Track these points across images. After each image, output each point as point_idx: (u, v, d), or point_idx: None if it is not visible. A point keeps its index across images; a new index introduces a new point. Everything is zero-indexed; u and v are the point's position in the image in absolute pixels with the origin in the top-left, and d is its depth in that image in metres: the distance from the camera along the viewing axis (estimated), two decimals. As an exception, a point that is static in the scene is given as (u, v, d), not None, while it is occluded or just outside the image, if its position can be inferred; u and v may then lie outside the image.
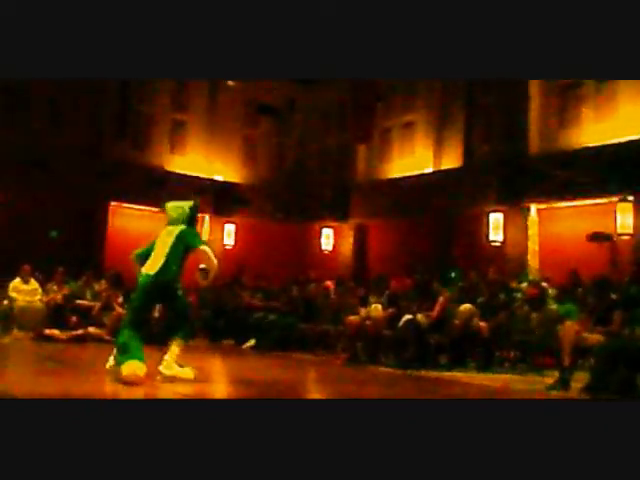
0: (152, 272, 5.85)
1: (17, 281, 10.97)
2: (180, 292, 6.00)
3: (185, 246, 6.02)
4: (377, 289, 10.01)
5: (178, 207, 6.26)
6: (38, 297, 11.01)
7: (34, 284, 11.11)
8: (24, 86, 12.73)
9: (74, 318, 10.51)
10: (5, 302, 10.70)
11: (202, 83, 15.19)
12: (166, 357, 5.82)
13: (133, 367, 5.53)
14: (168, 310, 6.38)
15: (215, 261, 6.09)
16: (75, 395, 4.76)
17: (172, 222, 6.17)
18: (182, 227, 6.10)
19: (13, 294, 10.82)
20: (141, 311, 6.07)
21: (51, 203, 12.77)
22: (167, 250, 5.97)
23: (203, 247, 6.09)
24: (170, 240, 6.02)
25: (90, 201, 13.39)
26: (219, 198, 15.18)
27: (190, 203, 6.32)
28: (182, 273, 6.05)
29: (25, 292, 10.93)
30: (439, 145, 13.61)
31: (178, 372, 5.79)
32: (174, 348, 5.84)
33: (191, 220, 6.26)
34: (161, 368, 5.76)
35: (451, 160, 13.32)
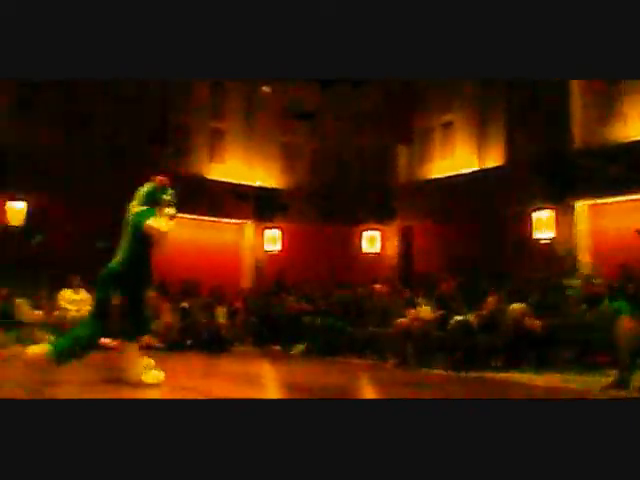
0: (111, 264, 5.56)
1: (67, 292, 11.10)
2: (139, 284, 5.61)
3: (135, 229, 5.54)
4: (425, 291, 9.89)
5: (140, 188, 5.80)
6: (88, 307, 11.08)
7: (84, 294, 11.20)
8: (65, 99, 12.93)
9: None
10: (57, 313, 10.82)
11: (239, 91, 15.23)
12: (126, 365, 5.48)
13: (39, 349, 5.35)
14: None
15: (162, 230, 5.52)
16: (127, 402, 4.74)
17: (134, 205, 5.74)
18: (137, 208, 5.64)
19: (64, 304, 10.95)
20: (100, 303, 5.58)
21: (98, 214, 12.89)
22: (123, 238, 5.65)
23: (148, 223, 5.49)
24: (128, 228, 5.64)
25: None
26: (259, 204, 15.19)
27: (152, 183, 5.81)
28: (145, 260, 5.64)
29: (76, 302, 11.03)
30: (481, 144, 13.43)
31: (143, 377, 5.46)
32: (129, 352, 5.48)
33: (151, 200, 5.67)
34: (143, 376, 5.45)
35: (494, 158, 13.13)
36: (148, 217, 5.50)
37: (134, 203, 5.68)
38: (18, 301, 10.41)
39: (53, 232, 12.36)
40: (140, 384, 5.35)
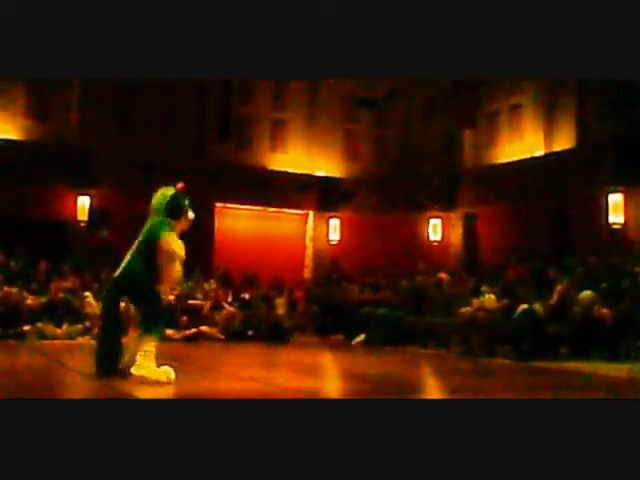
0: (115, 275, 5.37)
1: (132, 284, 11.28)
2: (149, 288, 5.26)
3: (150, 240, 5.27)
4: (490, 279, 9.67)
5: (160, 195, 5.45)
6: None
7: (148, 286, 11.39)
8: (129, 91, 13.16)
9: (185, 318, 10.70)
10: (122, 304, 10.99)
11: (300, 81, 15.19)
12: (137, 356, 5.13)
13: None
14: (138, 308, 5.49)
15: (173, 262, 5.21)
16: (190, 392, 4.75)
17: (152, 213, 5.43)
18: (156, 219, 5.34)
19: (128, 297, 11.13)
20: (108, 315, 5.43)
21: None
22: (133, 248, 5.36)
23: (163, 240, 5.19)
24: (140, 236, 5.39)
25: (197, 203, 13.60)
26: (322, 194, 15.14)
27: (172, 189, 5.47)
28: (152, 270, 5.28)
29: (139, 294, 11.21)
30: (550, 126, 13.00)
31: (149, 372, 5.04)
32: (144, 345, 5.12)
33: (172, 210, 5.37)
34: (132, 368, 5.09)
35: (563, 142, 12.71)
36: (166, 228, 5.25)
37: (154, 206, 5.40)
38: (86, 293, 10.63)
39: (118, 226, 12.60)
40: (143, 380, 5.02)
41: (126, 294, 5.42)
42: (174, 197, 5.38)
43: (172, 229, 5.30)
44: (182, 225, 5.42)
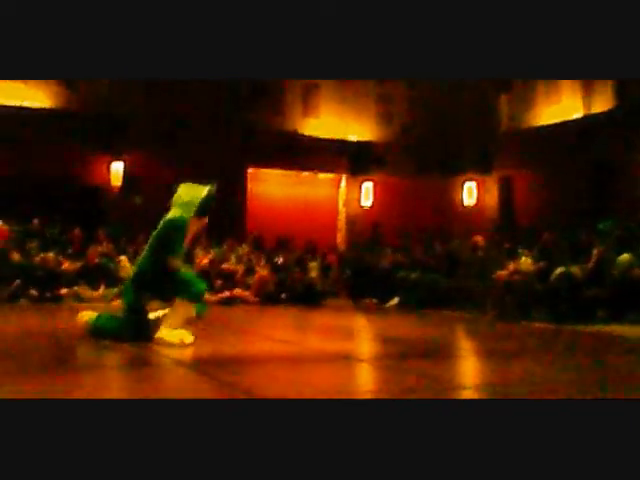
0: (130, 275, 5.36)
1: (166, 248, 11.40)
2: (166, 275, 5.08)
3: (164, 236, 5.12)
4: (526, 242, 9.54)
5: (192, 189, 5.27)
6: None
7: (181, 250, 11.49)
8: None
9: (219, 281, 10.76)
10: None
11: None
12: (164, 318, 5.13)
13: (86, 316, 5.37)
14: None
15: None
16: (227, 354, 4.78)
17: (175, 204, 5.23)
18: (180, 216, 5.14)
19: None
20: (131, 308, 5.25)
21: (193, 170, 13.10)
22: (146, 249, 5.27)
23: (171, 262, 5.05)
24: (155, 232, 5.23)
25: (230, 168, 13.64)
26: (355, 158, 15.03)
27: (207, 188, 5.25)
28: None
29: (174, 258, 11.32)
30: (588, 88, 12.68)
31: (166, 335, 5.00)
32: (173, 308, 5.09)
33: (203, 209, 5.21)
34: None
35: (602, 103, 12.39)
36: (179, 241, 5.11)
37: (182, 200, 5.20)
38: (120, 258, 10.75)
39: (151, 191, 12.68)
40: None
41: (146, 290, 5.23)
42: (209, 196, 5.20)
43: (186, 229, 5.15)
44: (201, 224, 5.35)
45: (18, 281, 9.60)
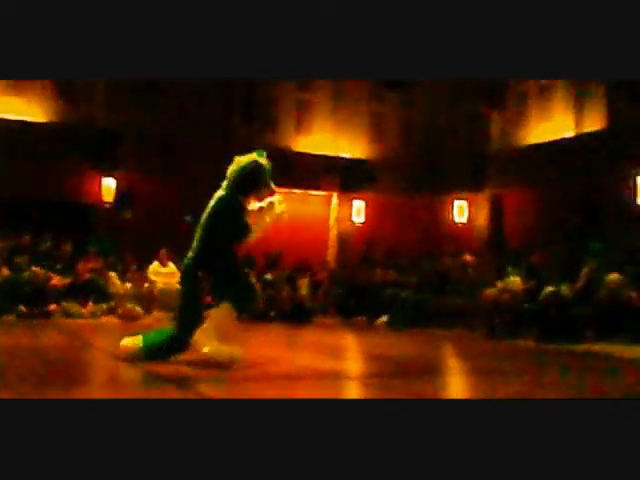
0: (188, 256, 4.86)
1: (156, 265, 11.41)
2: (228, 263, 4.77)
3: (213, 214, 4.74)
4: (516, 261, 9.57)
5: (236, 162, 4.85)
6: (176, 279, 11.34)
7: (172, 267, 11.47)
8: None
9: (209, 298, 10.72)
10: (146, 285, 11.11)
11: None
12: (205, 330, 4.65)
13: (131, 342, 4.83)
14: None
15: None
16: (213, 371, 4.75)
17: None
18: (221, 193, 4.81)
19: (153, 277, 11.24)
20: (187, 305, 4.85)
21: (185, 189, 13.11)
22: (199, 229, 4.85)
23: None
24: (206, 211, 4.83)
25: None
26: (347, 176, 15.05)
27: (246, 159, 4.82)
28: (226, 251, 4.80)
29: (163, 275, 11.32)
30: (580, 107, 12.76)
31: (214, 352, 4.56)
32: (216, 314, 4.65)
33: (242, 182, 4.75)
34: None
35: (593, 123, 12.48)
36: (235, 206, 4.72)
37: (227, 175, 4.85)
38: (110, 274, 10.73)
39: (142, 208, 12.69)
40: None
41: (204, 271, 4.81)
42: (249, 169, 4.79)
43: (237, 205, 4.74)
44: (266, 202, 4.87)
45: None
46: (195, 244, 4.83)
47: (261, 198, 4.88)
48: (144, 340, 4.83)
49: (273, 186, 4.92)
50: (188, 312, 4.78)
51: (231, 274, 4.79)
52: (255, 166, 4.81)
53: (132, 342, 4.84)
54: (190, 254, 4.83)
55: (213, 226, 4.76)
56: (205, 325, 4.65)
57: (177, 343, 4.74)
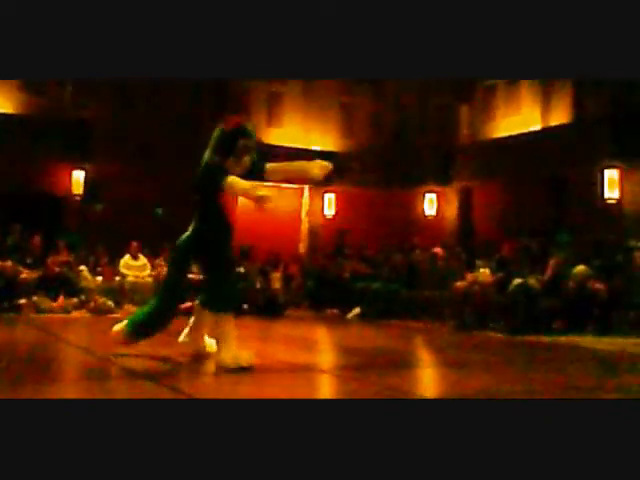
0: (182, 237, 4.76)
1: (127, 258, 11.34)
2: (214, 253, 4.61)
3: (205, 183, 4.59)
4: (485, 253, 9.71)
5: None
6: (147, 272, 11.33)
7: (143, 260, 11.43)
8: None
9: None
10: (117, 278, 11.06)
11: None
12: (215, 339, 4.64)
13: (119, 327, 4.86)
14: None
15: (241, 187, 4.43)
16: (185, 365, 4.78)
17: None
18: (206, 156, 4.61)
19: (124, 270, 11.18)
20: (171, 280, 4.84)
21: (158, 180, 13.03)
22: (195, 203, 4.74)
23: (229, 182, 4.41)
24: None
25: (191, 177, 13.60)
26: (318, 168, 15.07)
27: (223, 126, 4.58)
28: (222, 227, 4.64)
29: (135, 268, 11.27)
30: (547, 101, 12.95)
31: (230, 358, 4.41)
32: (220, 326, 4.54)
33: (224, 148, 4.52)
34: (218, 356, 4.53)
35: (560, 116, 12.68)
36: (220, 173, 4.46)
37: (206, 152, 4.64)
38: (81, 267, 10.66)
39: (112, 200, 12.60)
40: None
41: (193, 259, 4.82)
42: (223, 134, 4.55)
43: (214, 164, 4.51)
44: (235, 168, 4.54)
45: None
46: (193, 225, 4.73)
47: (242, 163, 4.59)
48: (129, 321, 4.86)
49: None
50: (170, 286, 4.79)
51: (219, 270, 4.64)
52: (235, 128, 4.58)
53: (120, 326, 4.87)
54: (187, 234, 4.72)
55: (197, 189, 4.66)
56: (217, 331, 4.57)
57: (160, 317, 4.74)
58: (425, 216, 14.82)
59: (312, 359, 5.69)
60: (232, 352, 4.43)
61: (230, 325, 4.54)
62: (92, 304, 10.21)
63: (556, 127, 12.64)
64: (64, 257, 10.84)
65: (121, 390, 3.89)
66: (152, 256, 11.67)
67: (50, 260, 10.50)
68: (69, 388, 4.11)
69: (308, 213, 15.24)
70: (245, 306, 10.80)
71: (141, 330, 4.79)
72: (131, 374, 4.35)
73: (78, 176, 12.76)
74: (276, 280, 11.53)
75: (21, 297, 9.87)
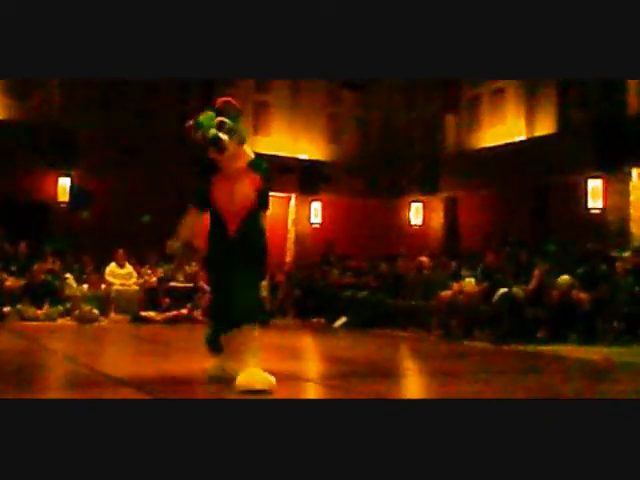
0: None
1: (113, 266, 11.31)
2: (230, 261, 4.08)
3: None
4: (470, 263, 9.76)
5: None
6: (133, 280, 11.31)
7: (129, 268, 11.41)
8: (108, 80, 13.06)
9: (167, 300, 10.72)
10: (103, 286, 11.02)
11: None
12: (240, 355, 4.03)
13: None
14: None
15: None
16: (170, 374, 4.77)
17: None
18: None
19: (110, 278, 11.15)
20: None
21: (145, 189, 13.02)
22: None
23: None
24: None
25: (180, 185, 13.57)
26: (304, 177, 15.13)
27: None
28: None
29: (121, 276, 11.24)
30: (531, 111, 13.09)
31: (247, 379, 3.87)
32: (244, 337, 4.03)
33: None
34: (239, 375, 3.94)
35: (545, 126, 12.80)
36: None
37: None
38: (66, 275, 10.62)
39: (99, 208, 12.57)
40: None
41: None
42: (208, 116, 4.13)
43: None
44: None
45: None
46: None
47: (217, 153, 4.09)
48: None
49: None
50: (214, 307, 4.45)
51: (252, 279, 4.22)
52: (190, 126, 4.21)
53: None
54: None
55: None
56: (239, 349, 4.05)
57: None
58: (411, 225, 14.89)
59: (298, 368, 5.70)
60: (249, 371, 3.94)
61: (252, 339, 4.05)
62: (77, 312, 10.17)
63: (540, 137, 12.76)
64: (50, 265, 10.80)
65: (103, 396, 3.88)
66: (138, 264, 11.65)
67: (36, 267, 10.45)
68: (53, 396, 4.09)
69: (295, 221, 15.26)
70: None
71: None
72: (117, 382, 4.34)
73: (64, 183, 12.73)
74: (262, 288, 11.51)
75: (5, 305, 9.82)
